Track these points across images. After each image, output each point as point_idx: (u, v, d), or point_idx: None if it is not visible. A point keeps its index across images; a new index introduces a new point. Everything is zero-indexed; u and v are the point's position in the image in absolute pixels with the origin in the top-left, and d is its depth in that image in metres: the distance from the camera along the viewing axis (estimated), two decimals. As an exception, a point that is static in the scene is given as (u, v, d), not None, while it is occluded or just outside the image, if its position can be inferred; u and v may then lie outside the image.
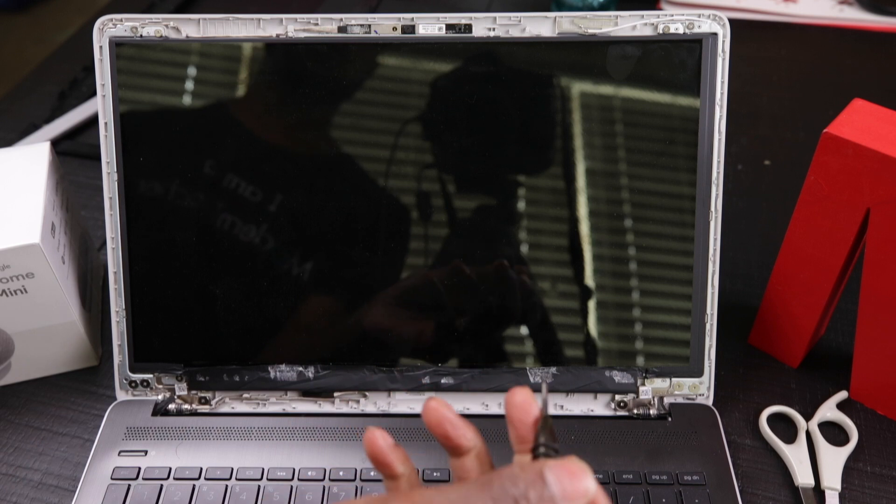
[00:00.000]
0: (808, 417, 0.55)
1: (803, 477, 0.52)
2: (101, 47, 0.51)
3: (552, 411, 0.54)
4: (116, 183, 0.53)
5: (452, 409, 0.35)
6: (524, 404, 0.34)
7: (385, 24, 0.51)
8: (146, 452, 0.52)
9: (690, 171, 0.52)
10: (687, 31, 0.50)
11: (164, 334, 0.54)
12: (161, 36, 0.51)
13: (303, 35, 0.51)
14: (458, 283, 0.53)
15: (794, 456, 0.53)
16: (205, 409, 0.55)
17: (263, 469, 0.51)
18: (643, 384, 0.54)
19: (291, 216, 0.53)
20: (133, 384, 0.55)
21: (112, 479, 0.51)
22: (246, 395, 0.55)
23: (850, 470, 0.53)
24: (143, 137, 0.52)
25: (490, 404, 0.55)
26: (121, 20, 0.51)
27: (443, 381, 0.54)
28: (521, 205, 0.53)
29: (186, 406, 0.55)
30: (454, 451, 0.35)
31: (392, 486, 0.36)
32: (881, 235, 0.49)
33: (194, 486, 0.50)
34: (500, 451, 0.52)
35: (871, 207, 0.48)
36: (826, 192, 0.50)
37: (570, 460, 0.30)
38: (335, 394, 0.55)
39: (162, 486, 0.50)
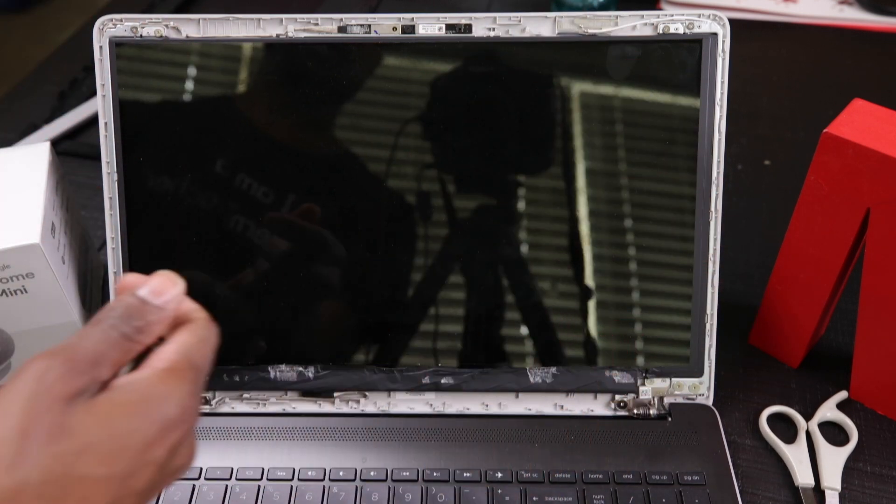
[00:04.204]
0: (808, 417, 0.55)
1: (803, 477, 0.52)
2: (101, 47, 0.51)
3: (552, 412, 0.54)
4: (116, 183, 0.53)
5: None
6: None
7: (385, 24, 0.51)
8: (146, 452, 0.52)
9: (690, 171, 0.52)
10: (687, 31, 0.50)
11: (164, 334, 0.54)
12: (161, 36, 0.51)
13: (303, 35, 0.51)
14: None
15: (794, 456, 0.53)
16: (205, 409, 0.55)
17: (263, 469, 0.51)
18: (643, 384, 0.54)
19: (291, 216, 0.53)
20: (133, 384, 0.55)
21: (112, 479, 0.51)
22: (246, 395, 0.55)
23: (850, 470, 0.52)
24: (143, 137, 0.52)
25: (490, 404, 0.55)
26: (121, 20, 0.51)
27: (443, 381, 0.54)
28: (521, 205, 0.53)
29: (186, 406, 0.55)
30: None
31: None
32: (881, 235, 0.49)
33: (194, 486, 0.50)
34: (500, 450, 0.52)
35: (871, 207, 0.48)
36: (826, 192, 0.50)
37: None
38: (335, 394, 0.55)
39: (162, 486, 0.50)
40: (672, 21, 0.50)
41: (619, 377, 0.54)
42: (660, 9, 0.97)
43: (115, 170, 0.52)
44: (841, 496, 0.51)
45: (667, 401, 0.54)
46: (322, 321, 0.54)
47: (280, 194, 0.53)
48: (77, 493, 0.28)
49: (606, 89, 0.52)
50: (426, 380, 0.54)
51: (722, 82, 0.51)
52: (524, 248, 0.53)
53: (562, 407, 0.55)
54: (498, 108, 0.51)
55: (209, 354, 0.34)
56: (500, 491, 0.50)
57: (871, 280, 0.51)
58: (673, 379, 0.54)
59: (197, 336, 0.33)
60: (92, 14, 0.93)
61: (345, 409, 0.55)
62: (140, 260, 0.53)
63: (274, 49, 0.51)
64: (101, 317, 0.32)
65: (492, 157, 0.52)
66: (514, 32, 0.51)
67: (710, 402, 0.54)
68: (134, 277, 0.34)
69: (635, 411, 0.54)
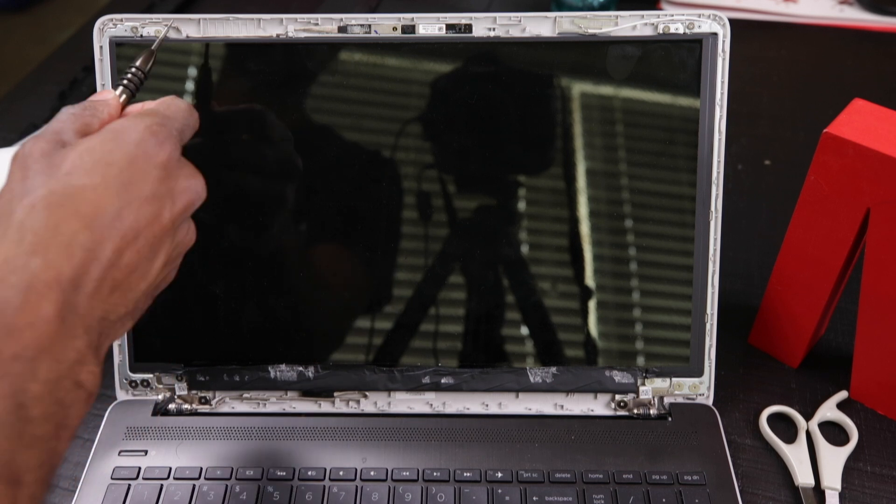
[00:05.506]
0: (808, 417, 0.55)
1: (803, 477, 0.52)
2: (101, 47, 0.51)
3: (552, 411, 0.55)
4: (116, 183, 0.52)
5: None
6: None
7: (385, 24, 0.51)
8: (146, 452, 0.52)
9: (690, 171, 0.52)
10: (687, 31, 0.50)
11: (164, 334, 0.54)
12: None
13: (303, 35, 0.51)
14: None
15: (794, 456, 0.53)
16: (205, 409, 0.55)
17: (263, 469, 0.51)
18: (643, 384, 0.54)
19: (291, 216, 0.53)
20: (133, 384, 0.55)
21: (112, 478, 0.51)
22: (246, 395, 0.55)
23: (850, 470, 0.53)
24: (143, 137, 0.52)
25: (490, 404, 0.55)
26: (121, 20, 0.51)
27: (443, 381, 0.54)
28: (521, 205, 0.53)
29: (186, 406, 0.55)
30: None
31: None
32: (881, 235, 0.49)
33: (194, 486, 0.50)
34: (500, 450, 0.52)
35: (871, 207, 0.48)
36: (826, 192, 0.50)
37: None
38: (335, 394, 0.55)
39: (162, 485, 0.50)
40: (672, 21, 0.50)
41: (619, 377, 0.54)
42: (660, 9, 0.97)
43: (115, 170, 0.52)
44: (841, 496, 0.51)
45: (667, 401, 0.54)
46: (321, 321, 0.54)
47: (279, 193, 0.53)
48: (83, 199, 0.35)
49: (606, 89, 0.52)
50: (426, 380, 0.54)
51: (722, 82, 0.51)
52: (524, 248, 0.53)
53: (562, 407, 0.55)
54: (498, 108, 0.51)
55: (177, 110, 0.42)
56: (500, 491, 0.50)
57: (871, 280, 0.51)
58: (673, 379, 0.54)
59: (160, 101, 0.42)
60: (92, 14, 0.93)
61: (345, 409, 0.55)
62: (140, 260, 0.53)
63: (274, 49, 0.51)
64: None
65: (492, 158, 0.52)
66: (514, 32, 0.51)
67: (710, 402, 0.54)
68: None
69: (635, 411, 0.54)
